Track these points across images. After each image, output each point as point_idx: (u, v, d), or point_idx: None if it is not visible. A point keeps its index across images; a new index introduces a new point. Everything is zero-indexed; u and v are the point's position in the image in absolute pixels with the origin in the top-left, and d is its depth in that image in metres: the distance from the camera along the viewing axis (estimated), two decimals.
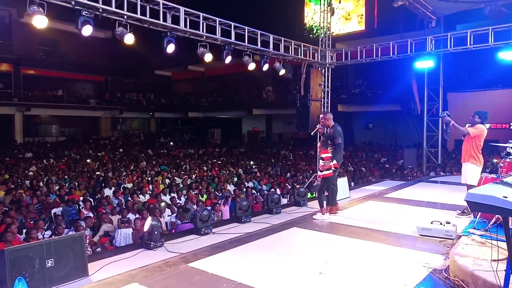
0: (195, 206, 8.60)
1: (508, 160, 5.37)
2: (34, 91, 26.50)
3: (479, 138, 6.19)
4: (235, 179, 13.19)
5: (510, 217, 2.90)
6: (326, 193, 6.85)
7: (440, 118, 13.23)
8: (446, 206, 7.52)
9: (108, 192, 10.36)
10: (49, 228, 7.08)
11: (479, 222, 5.31)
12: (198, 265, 4.57)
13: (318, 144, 6.98)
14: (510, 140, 5.59)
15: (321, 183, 6.83)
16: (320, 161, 6.80)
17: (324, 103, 11.20)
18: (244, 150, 24.91)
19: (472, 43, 9.31)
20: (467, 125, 6.34)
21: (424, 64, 11.06)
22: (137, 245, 5.56)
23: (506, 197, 2.47)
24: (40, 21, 5.88)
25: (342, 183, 8.84)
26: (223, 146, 26.77)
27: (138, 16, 6.69)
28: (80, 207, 8.64)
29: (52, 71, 27.68)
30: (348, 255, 4.92)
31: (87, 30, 6.23)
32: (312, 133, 7.78)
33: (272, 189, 10.87)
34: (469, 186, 5.97)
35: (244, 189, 10.73)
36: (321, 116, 7.06)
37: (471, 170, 6.22)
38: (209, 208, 7.71)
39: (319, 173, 6.82)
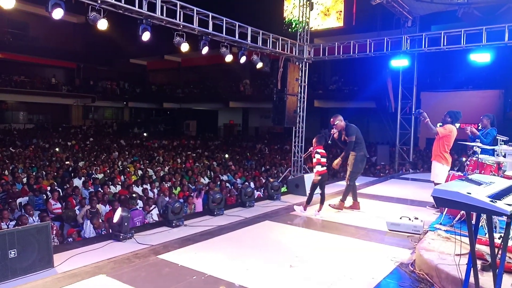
0: (167, 198, 8.49)
1: (474, 158, 5.56)
2: (0, 76, 25.38)
3: (448, 138, 6.35)
4: (209, 172, 13.10)
5: (473, 213, 2.99)
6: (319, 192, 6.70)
7: (413, 116, 13.57)
8: (415, 202, 7.73)
9: (77, 182, 10.08)
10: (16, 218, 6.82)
11: (445, 218, 5.50)
12: (168, 257, 4.51)
13: (314, 140, 6.68)
14: (476, 140, 5.78)
15: (315, 179, 6.64)
16: (316, 155, 6.54)
17: (300, 98, 11.23)
18: (220, 143, 24.78)
19: (445, 44, 9.53)
20: (438, 125, 6.50)
21: (399, 63, 11.27)
22: (106, 237, 5.44)
23: (470, 194, 2.54)
24: (6, 2, 5.59)
25: None
26: (198, 139, 26.54)
27: (113, 1, 6.47)
28: (48, 197, 8.37)
29: (21, 55, 26.53)
30: (319, 248, 4.97)
31: (57, 13, 5.98)
32: (329, 142, 7.21)
33: (246, 183, 10.86)
34: (436, 184, 6.16)
35: (218, 182, 10.68)
36: (331, 120, 6.88)
37: (438, 169, 6.41)
38: (181, 200, 7.63)
39: (315, 169, 6.59)
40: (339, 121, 6.87)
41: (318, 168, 6.52)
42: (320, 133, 6.83)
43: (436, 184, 6.20)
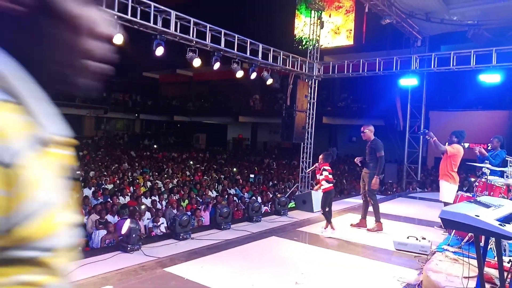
0: (175, 211, 8.53)
1: (483, 179, 5.53)
2: None
3: (455, 158, 6.36)
4: (218, 185, 13.13)
5: (481, 236, 2.99)
6: (327, 209, 6.50)
7: (420, 135, 13.53)
8: (423, 222, 7.66)
9: (87, 192, 10.18)
10: None
11: (454, 239, 5.44)
12: (175, 270, 4.53)
13: (320, 157, 6.62)
14: (485, 161, 5.76)
15: (323, 197, 6.57)
16: (324, 172, 6.45)
17: (309, 114, 11.31)
18: (228, 156, 24.85)
19: (455, 64, 9.57)
20: (446, 144, 6.52)
21: (408, 82, 11.32)
22: (113, 248, 5.48)
23: (478, 216, 2.55)
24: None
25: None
26: (207, 152, 26.67)
27: (129, 17, 6.67)
28: None
29: None
30: (325, 266, 4.95)
31: None
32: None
33: (254, 197, 10.86)
34: (445, 204, 6.13)
35: (226, 196, 10.70)
36: (362, 128, 6.81)
37: (445, 188, 6.39)
38: (189, 213, 7.66)
39: (323, 186, 6.46)
40: (369, 131, 6.80)
41: (325, 184, 6.46)
42: (327, 150, 6.79)
43: (445, 203, 6.17)
